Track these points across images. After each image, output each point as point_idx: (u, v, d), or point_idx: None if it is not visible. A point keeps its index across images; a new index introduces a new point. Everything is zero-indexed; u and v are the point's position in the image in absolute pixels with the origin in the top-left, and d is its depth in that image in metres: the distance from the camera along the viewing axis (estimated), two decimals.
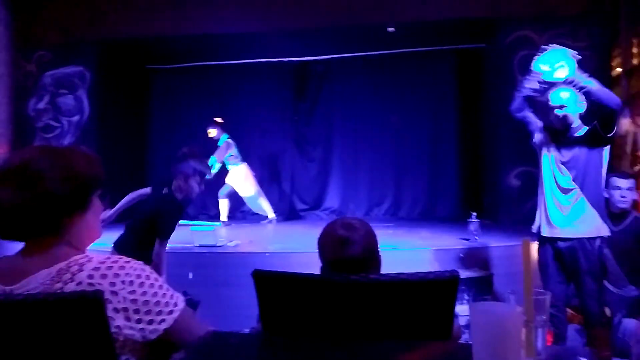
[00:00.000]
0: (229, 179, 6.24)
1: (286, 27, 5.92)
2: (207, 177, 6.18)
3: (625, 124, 4.85)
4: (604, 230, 2.73)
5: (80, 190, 1.04)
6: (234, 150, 6.22)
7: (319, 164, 7.39)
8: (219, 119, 6.42)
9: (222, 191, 6.24)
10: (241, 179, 6.26)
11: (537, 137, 2.96)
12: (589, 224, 2.72)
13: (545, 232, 2.84)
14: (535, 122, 2.99)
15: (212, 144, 6.26)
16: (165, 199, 3.02)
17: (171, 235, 2.96)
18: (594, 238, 2.72)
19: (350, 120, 7.18)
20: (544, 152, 2.92)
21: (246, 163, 6.33)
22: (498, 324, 0.73)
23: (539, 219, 2.91)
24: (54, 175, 0.99)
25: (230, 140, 6.23)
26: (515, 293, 0.83)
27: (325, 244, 1.44)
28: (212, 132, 6.29)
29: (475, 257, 3.93)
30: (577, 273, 2.72)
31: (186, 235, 4.36)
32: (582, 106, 2.80)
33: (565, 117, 2.77)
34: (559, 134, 2.85)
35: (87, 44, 6.22)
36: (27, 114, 6.26)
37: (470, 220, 4.33)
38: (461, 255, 3.93)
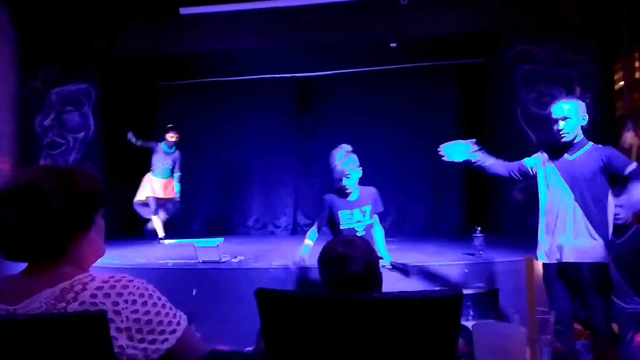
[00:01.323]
0: (144, 192, 6.11)
1: (289, 44, 5.98)
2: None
3: (628, 137, 4.84)
4: (603, 257, 2.66)
5: (84, 209, 1.04)
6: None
7: (322, 179, 7.38)
8: (170, 126, 6.32)
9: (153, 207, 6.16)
10: (167, 188, 6.24)
11: (538, 156, 2.95)
12: (588, 249, 2.67)
13: (548, 258, 2.82)
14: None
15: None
16: None
17: (322, 221, 3.22)
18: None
19: (352, 135, 7.13)
20: (543, 173, 2.90)
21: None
22: (502, 344, 0.73)
23: (544, 243, 2.87)
24: (58, 195, 0.99)
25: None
26: (519, 312, 0.82)
27: (326, 262, 1.43)
28: (175, 137, 6.23)
29: (480, 273, 3.90)
30: (582, 289, 2.69)
31: (190, 251, 4.36)
32: (585, 118, 2.79)
33: (560, 130, 2.76)
34: (561, 150, 2.83)
35: (93, 61, 6.30)
36: (33, 131, 6.33)
37: (475, 235, 4.31)
38: (466, 270, 3.91)
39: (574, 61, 5.42)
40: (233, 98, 7.36)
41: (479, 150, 3.04)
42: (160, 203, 6.17)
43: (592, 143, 2.80)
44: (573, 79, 5.38)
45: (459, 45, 6.21)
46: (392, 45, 5.94)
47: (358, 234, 3.03)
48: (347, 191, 3.11)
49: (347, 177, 3.05)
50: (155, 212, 6.15)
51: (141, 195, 6.11)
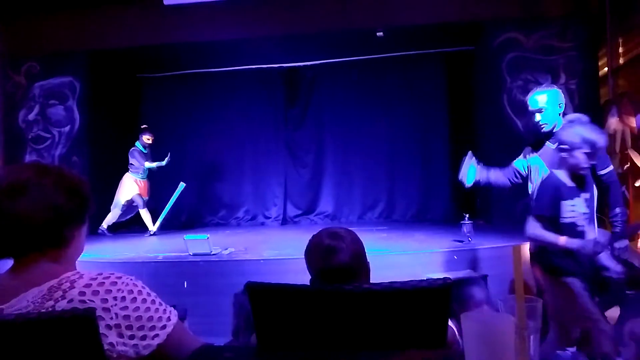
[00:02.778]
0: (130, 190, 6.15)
1: (275, 34, 5.93)
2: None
3: (613, 122, 4.89)
4: None
5: (82, 204, 1.06)
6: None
7: (311, 169, 7.38)
8: (145, 127, 6.35)
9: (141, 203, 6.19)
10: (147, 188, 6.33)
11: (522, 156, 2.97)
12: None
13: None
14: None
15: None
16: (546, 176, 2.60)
17: (545, 211, 2.47)
18: None
19: (341, 125, 7.19)
20: (527, 165, 2.91)
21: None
22: (490, 333, 0.74)
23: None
24: (59, 190, 1.01)
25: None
26: (505, 300, 0.83)
27: (313, 255, 1.44)
28: (152, 139, 6.27)
29: (469, 259, 3.95)
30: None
31: (180, 244, 4.35)
32: (562, 106, 2.78)
33: (538, 122, 2.76)
34: (543, 139, 2.82)
35: (76, 54, 6.20)
36: (17, 126, 6.23)
37: (463, 222, 4.35)
38: (455, 257, 3.95)
39: (559, 48, 5.45)
40: (219, 89, 7.29)
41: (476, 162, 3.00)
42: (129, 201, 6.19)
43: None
44: (558, 66, 5.42)
45: (445, 34, 6.21)
46: (379, 34, 5.92)
47: (579, 228, 2.46)
48: (582, 174, 2.46)
49: (592, 154, 2.41)
50: (144, 206, 6.14)
51: (127, 194, 6.10)
